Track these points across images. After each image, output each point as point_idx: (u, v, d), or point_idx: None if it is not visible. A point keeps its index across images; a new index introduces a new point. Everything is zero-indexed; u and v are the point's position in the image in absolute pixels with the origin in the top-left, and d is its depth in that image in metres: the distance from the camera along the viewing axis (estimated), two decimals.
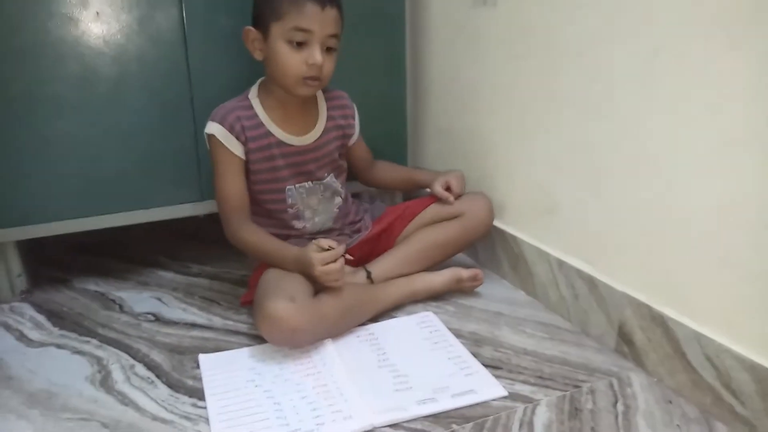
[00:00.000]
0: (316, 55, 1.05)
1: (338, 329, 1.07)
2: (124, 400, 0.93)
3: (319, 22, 1.03)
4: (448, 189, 1.26)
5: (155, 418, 0.89)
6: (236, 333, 1.11)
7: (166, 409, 0.91)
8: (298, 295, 1.00)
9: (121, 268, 1.40)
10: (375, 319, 1.14)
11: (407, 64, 1.48)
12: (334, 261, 1.03)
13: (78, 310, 1.20)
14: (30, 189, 1.17)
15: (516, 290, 1.28)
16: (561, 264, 1.15)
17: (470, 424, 0.87)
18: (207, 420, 0.88)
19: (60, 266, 1.41)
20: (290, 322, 0.96)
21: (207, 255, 1.46)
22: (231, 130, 1.11)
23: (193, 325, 1.14)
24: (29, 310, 1.20)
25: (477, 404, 0.91)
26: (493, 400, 0.92)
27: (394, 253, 1.23)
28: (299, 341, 1.01)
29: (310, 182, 1.19)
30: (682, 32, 0.86)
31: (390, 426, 0.86)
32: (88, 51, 1.14)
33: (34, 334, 1.11)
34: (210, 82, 1.24)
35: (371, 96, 1.39)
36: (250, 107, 1.14)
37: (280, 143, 1.15)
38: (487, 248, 1.35)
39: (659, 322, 0.95)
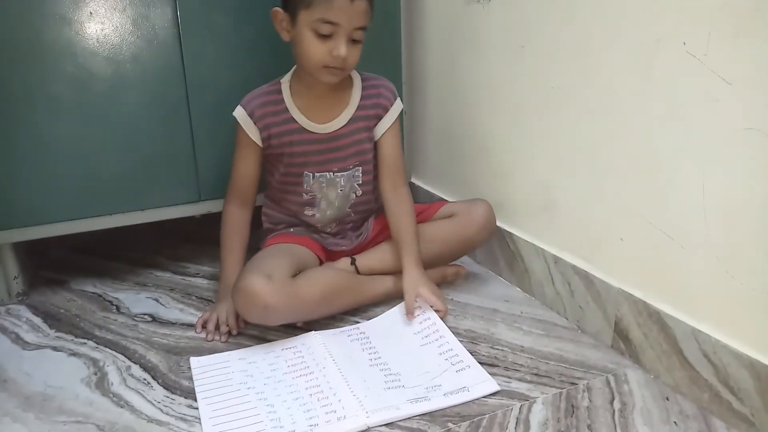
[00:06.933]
0: (341, 48, 1.03)
1: (318, 312, 1.09)
2: (120, 402, 0.92)
3: (348, 15, 1.01)
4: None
5: (151, 420, 0.89)
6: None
7: (161, 410, 0.91)
8: (275, 273, 1.03)
9: (119, 268, 1.40)
10: (363, 313, 1.15)
11: (402, 62, 1.48)
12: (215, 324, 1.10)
13: (75, 311, 1.20)
14: (26, 190, 1.16)
15: (512, 287, 1.27)
16: (557, 260, 1.15)
17: (466, 423, 0.86)
18: None
19: (57, 267, 1.41)
20: (263, 299, 0.99)
21: (204, 255, 1.46)
22: (251, 115, 1.13)
23: (190, 326, 1.14)
24: (26, 313, 1.20)
25: (473, 402, 0.90)
26: (488, 396, 0.91)
27: (383, 248, 1.22)
28: (272, 319, 1.04)
29: (332, 173, 1.18)
30: (684, 23, 0.84)
31: (385, 425, 0.86)
32: (82, 51, 1.13)
33: (30, 337, 1.11)
34: (206, 81, 1.24)
35: None
36: (279, 92, 1.14)
37: (301, 130, 1.14)
38: (483, 245, 1.34)
39: (656, 318, 0.95)
